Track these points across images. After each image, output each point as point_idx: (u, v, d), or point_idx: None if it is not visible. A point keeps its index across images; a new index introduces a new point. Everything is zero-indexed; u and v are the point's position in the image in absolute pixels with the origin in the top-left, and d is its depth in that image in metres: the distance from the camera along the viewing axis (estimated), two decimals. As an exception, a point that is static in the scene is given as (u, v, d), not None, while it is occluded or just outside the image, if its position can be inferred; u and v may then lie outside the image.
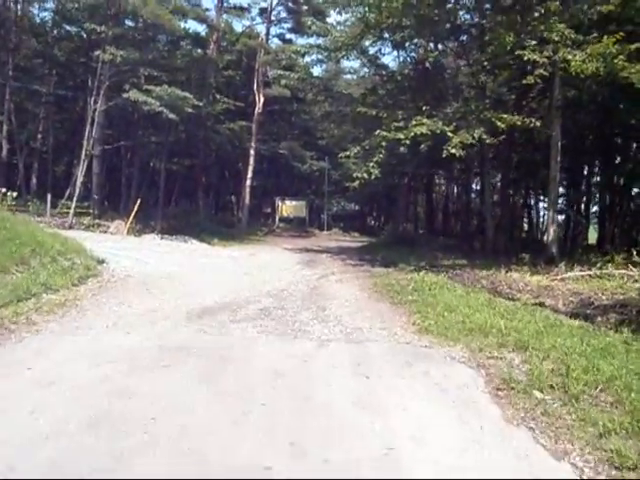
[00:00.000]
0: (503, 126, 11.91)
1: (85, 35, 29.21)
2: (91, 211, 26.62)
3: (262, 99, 33.75)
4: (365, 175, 13.48)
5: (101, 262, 11.81)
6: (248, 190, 33.88)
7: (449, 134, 11.96)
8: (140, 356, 5.17)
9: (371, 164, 13.51)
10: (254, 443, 3.44)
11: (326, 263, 16.57)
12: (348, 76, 43.56)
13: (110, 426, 3.57)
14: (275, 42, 39.52)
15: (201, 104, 22.10)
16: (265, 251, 21.40)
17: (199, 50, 30.93)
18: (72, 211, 24.04)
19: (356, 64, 25.96)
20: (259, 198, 43.74)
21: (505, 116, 11.88)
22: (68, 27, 31.10)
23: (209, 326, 6.56)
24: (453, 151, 11.66)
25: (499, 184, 25.12)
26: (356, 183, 13.62)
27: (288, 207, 41.41)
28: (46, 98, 34.55)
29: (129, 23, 25.77)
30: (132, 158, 33.79)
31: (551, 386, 4.39)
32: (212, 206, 41.65)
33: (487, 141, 11.99)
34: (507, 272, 13.41)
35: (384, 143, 13.57)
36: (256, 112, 33.94)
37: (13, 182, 35.67)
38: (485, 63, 13.93)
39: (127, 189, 32.36)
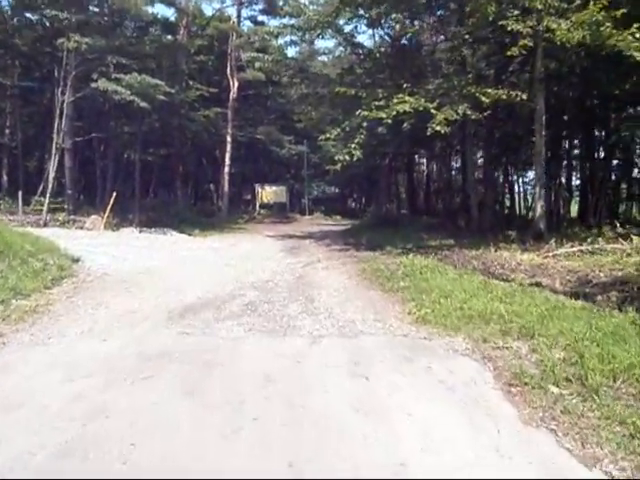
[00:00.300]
0: (487, 101, 11.53)
1: (48, 23, 28.08)
2: (66, 207, 25.81)
3: (236, 84, 32.98)
4: (347, 157, 13.04)
5: (76, 261, 11.28)
6: (227, 177, 33.24)
7: (432, 111, 11.55)
8: (117, 366, 4.73)
9: (352, 145, 13.06)
10: (247, 467, 3.05)
11: (310, 249, 16.17)
12: (323, 57, 43.06)
13: (83, 456, 3.15)
14: (247, 25, 38.70)
15: (173, 91, 21.36)
16: (247, 239, 20.93)
17: (169, 36, 30.05)
18: (45, 208, 23.26)
19: (331, 44, 25.41)
20: (238, 185, 43.08)
21: (489, 91, 11.50)
22: (29, 15, 29.88)
23: (192, 326, 6.13)
24: (438, 128, 11.26)
25: (480, 161, 24.91)
26: (338, 166, 13.19)
27: (268, 193, 40.82)
28: (10, 91, 33.36)
29: (94, 9, 24.76)
30: (106, 150, 32.84)
31: (567, 379, 4.06)
32: (191, 196, 40.89)
33: (472, 117, 11.62)
34: (496, 251, 13.14)
35: (365, 123, 13.14)
36: (231, 97, 33.18)
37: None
38: (466, 36, 13.47)
39: (102, 182, 31.50)
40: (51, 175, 24.12)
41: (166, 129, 33.67)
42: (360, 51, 19.15)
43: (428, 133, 11.65)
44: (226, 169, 33.23)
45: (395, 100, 11.86)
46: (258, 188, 40.84)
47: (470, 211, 20.28)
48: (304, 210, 42.80)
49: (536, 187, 14.52)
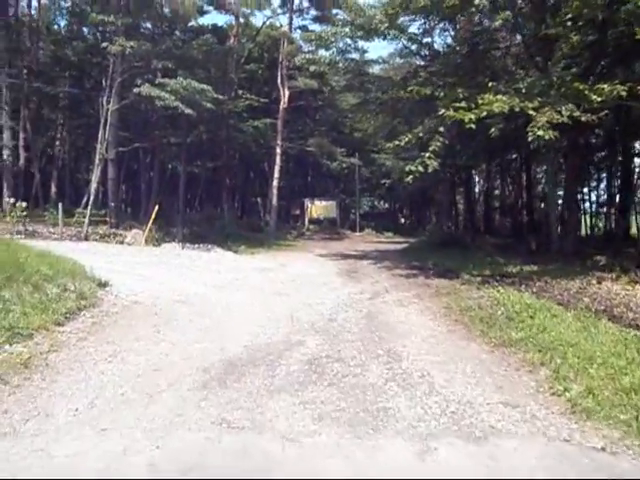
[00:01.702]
0: (599, 100, 9.34)
1: (98, 32, 27.42)
2: (108, 220, 24.68)
3: (287, 93, 31.45)
4: (420, 168, 11.02)
5: (104, 285, 9.62)
6: (275, 191, 31.63)
7: (531, 112, 9.43)
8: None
9: (427, 154, 11.05)
10: None
11: (371, 273, 14.15)
12: (377, 67, 41.25)
13: None
14: (299, 34, 37.31)
15: (221, 97, 19.89)
16: (297, 259, 19.09)
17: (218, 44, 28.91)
18: (87, 220, 22.11)
19: (385, 52, 23.33)
20: (287, 199, 41.58)
21: (604, 87, 9.30)
22: (81, 26, 29.41)
23: (234, 405, 4.22)
24: (540, 133, 9.13)
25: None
26: (409, 178, 11.17)
27: (318, 208, 39.08)
28: (61, 102, 32.98)
29: (143, 15, 23.71)
30: (151, 161, 31.89)
31: None
32: (238, 209, 39.61)
33: (581, 119, 9.44)
34: (600, 282, 10.84)
35: (442, 128, 11.10)
36: (281, 107, 31.65)
37: (31, 192, 34.30)
38: (568, 23, 11.29)
39: (147, 195, 30.44)
40: (93, 186, 23.05)
41: (214, 140, 32.54)
42: (427, 52, 17.16)
43: (530, 139, 9.51)
44: (274, 182, 31.64)
45: (483, 100, 9.79)
46: (307, 203, 39.20)
47: (548, 233, 17.87)
48: (354, 226, 40.81)
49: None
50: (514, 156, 20.81)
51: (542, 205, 31.88)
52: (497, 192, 38.67)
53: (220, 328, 7.19)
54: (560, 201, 28.64)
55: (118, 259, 14.28)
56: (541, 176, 32.37)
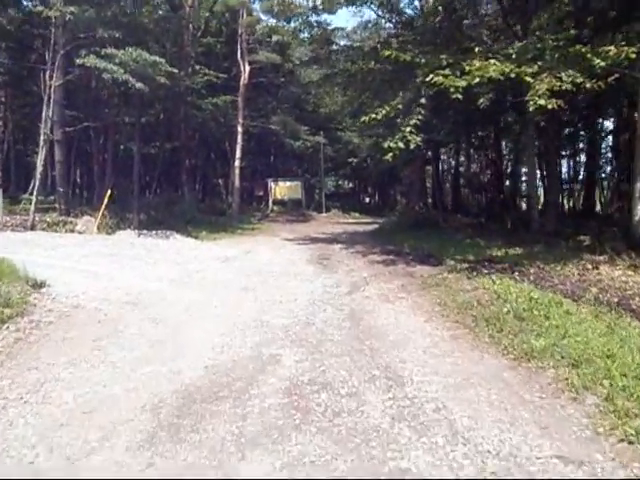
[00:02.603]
0: (603, 64, 8.32)
1: None
2: (57, 206, 22.78)
3: (247, 69, 29.78)
4: (400, 144, 9.85)
5: (39, 286, 8.22)
6: (237, 172, 30.10)
7: (527, 79, 8.35)
8: None
9: (407, 129, 9.89)
10: None
11: (345, 260, 13.02)
12: (342, 41, 39.66)
13: None
14: (258, 4, 35.37)
15: (176, 71, 18.21)
16: (263, 244, 17.82)
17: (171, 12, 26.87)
18: (33, 208, 20.20)
19: (349, 25, 21.62)
20: (250, 180, 39.97)
21: (610, 49, 8.23)
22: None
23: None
24: (542, 102, 8.06)
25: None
26: (389, 156, 10.01)
27: (282, 188, 37.65)
28: (1, 78, 30.41)
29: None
30: (105, 143, 29.81)
31: None
32: (199, 192, 37.81)
33: (586, 85, 8.40)
34: (595, 268, 9.97)
35: (423, 100, 9.97)
36: (242, 84, 29.98)
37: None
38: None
39: (101, 179, 28.43)
40: (38, 170, 21.09)
41: (171, 120, 30.65)
42: (398, 19, 15.89)
43: (531, 108, 8.42)
44: (236, 163, 30.09)
45: (472, 66, 8.63)
46: (271, 183, 37.69)
47: (523, 211, 17.06)
48: (320, 207, 39.58)
49: (637, 183, 11.26)
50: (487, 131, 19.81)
51: (507, 183, 31.38)
52: (462, 169, 37.99)
53: (176, 340, 5.94)
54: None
55: (63, 251, 12.75)
56: (507, 152, 31.76)
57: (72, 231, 19.61)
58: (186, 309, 7.53)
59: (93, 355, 5.36)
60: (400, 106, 10.19)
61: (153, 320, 6.85)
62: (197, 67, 28.83)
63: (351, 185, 57.00)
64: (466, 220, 24.67)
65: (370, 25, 22.59)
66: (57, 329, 6.31)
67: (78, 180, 35.95)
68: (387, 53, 10.38)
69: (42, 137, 20.71)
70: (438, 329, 6.10)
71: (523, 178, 32.17)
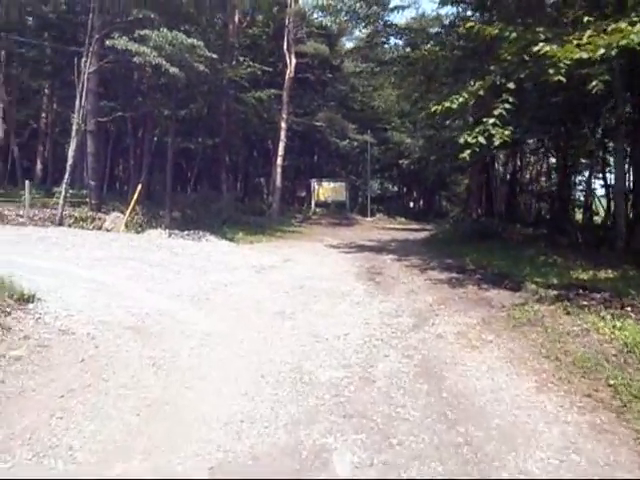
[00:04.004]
0: None
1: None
2: (88, 201, 21.51)
3: (294, 61, 28.06)
4: (481, 139, 7.81)
5: (26, 301, 6.54)
6: (279, 171, 28.39)
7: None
8: None
9: (490, 120, 7.84)
10: None
11: (400, 276, 11.02)
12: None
13: None
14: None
15: (215, 56, 16.52)
16: (304, 250, 15.98)
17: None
18: (61, 202, 18.89)
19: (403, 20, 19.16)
20: (292, 180, 38.27)
21: None
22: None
23: None
24: None
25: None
26: (466, 153, 7.99)
27: (326, 190, 35.74)
28: (45, 68, 29.58)
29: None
30: (143, 136, 28.59)
31: None
32: (239, 191, 36.34)
33: None
34: None
35: (511, 85, 7.90)
36: (287, 77, 28.30)
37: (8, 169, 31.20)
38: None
39: (136, 173, 27.19)
40: (69, 162, 19.82)
41: (213, 114, 29.16)
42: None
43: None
44: (279, 161, 28.38)
45: (584, 38, 6.53)
46: (314, 184, 35.86)
47: (616, 226, 14.57)
48: (364, 210, 37.49)
49: None
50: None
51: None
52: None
53: (177, 405, 4.09)
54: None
55: (78, 253, 11.18)
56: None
57: (100, 228, 18.28)
58: (201, 344, 5.70)
59: (46, 431, 3.56)
60: (481, 92, 8.14)
61: (153, 362, 5.04)
62: (241, 59, 27.31)
63: (396, 189, 54.64)
64: (526, 231, 22.31)
65: (427, 15, 20.36)
66: (20, 373, 4.56)
67: (115, 174, 35.05)
68: (469, 25, 8.36)
69: (74, 127, 19.43)
70: (564, 409, 4.06)
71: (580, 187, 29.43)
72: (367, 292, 9.08)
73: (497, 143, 7.76)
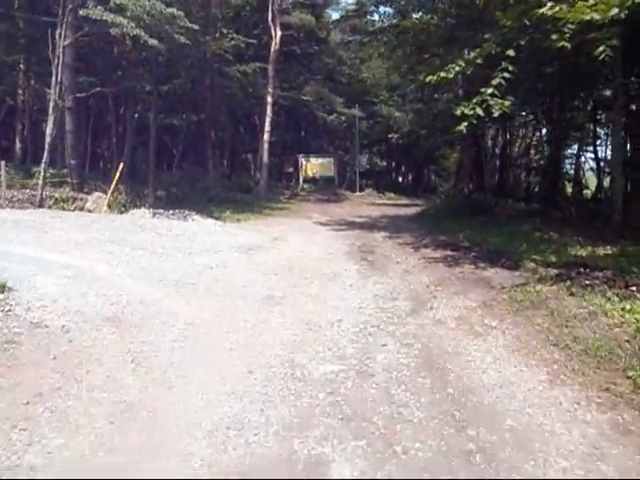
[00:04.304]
0: None
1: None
2: (69, 180, 20.80)
3: (279, 33, 27.16)
4: (478, 111, 7.37)
5: (-4, 291, 6.09)
6: (266, 146, 27.71)
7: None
8: None
9: (488, 90, 7.39)
10: None
11: (393, 254, 10.64)
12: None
13: None
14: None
15: (197, 27, 15.76)
16: (292, 228, 15.54)
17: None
18: (41, 182, 18.15)
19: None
20: (279, 156, 37.54)
21: None
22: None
23: None
24: None
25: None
26: (463, 125, 7.56)
27: (314, 165, 35.11)
28: (17, 41, 28.40)
29: None
30: (125, 113, 27.74)
31: None
32: (227, 169, 35.62)
33: None
34: None
35: (511, 52, 7.43)
36: (272, 50, 27.41)
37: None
38: None
39: (119, 151, 26.44)
40: (47, 141, 19.06)
41: (197, 89, 28.28)
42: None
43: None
44: (265, 136, 27.69)
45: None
46: (302, 160, 35.18)
47: (612, 199, 14.24)
48: (353, 186, 36.94)
49: None
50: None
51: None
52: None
53: (156, 411, 3.69)
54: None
55: (56, 237, 10.64)
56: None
57: (82, 209, 17.64)
58: (184, 336, 5.29)
59: (5, 447, 3.14)
60: (479, 60, 7.66)
61: (132, 358, 4.63)
62: (224, 31, 26.39)
63: (385, 163, 53.99)
64: (518, 206, 22.02)
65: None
66: (-16, 374, 4.14)
67: (98, 152, 34.12)
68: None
69: (51, 104, 18.63)
70: (581, 406, 3.71)
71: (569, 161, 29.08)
72: (360, 273, 8.69)
73: (496, 114, 7.32)
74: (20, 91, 33.36)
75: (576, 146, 27.76)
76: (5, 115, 33.90)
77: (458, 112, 7.73)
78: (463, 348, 4.91)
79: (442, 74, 7.93)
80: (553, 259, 9.41)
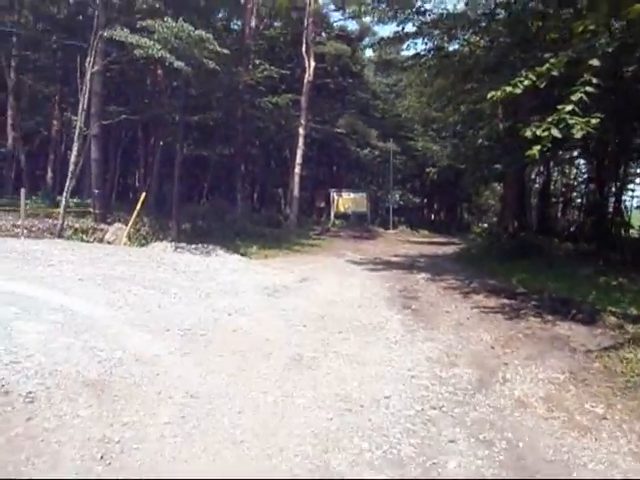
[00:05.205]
0: None
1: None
2: (92, 210, 20.04)
3: (313, 64, 26.46)
4: (554, 132, 6.03)
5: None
6: (297, 179, 26.72)
7: None
8: None
9: (567, 107, 6.05)
10: None
11: (441, 302, 9.20)
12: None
13: None
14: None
15: (227, 51, 14.88)
16: (324, 268, 14.22)
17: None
18: (62, 212, 17.34)
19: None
20: (310, 191, 36.55)
21: None
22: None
23: None
24: None
25: None
26: (535, 149, 6.13)
27: (346, 200, 33.99)
28: (52, 73, 28.43)
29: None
30: (155, 142, 27.17)
31: None
32: (255, 201, 34.75)
33: None
34: None
35: (595, 61, 6.13)
36: (305, 81, 26.69)
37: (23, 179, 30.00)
38: None
39: (145, 181, 25.78)
40: (70, 169, 18.34)
41: (228, 121, 27.66)
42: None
43: None
44: (297, 169, 26.72)
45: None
46: (333, 194, 34.14)
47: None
48: (386, 222, 35.64)
49: None
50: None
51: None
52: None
53: None
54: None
55: (59, 271, 9.50)
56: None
57: (101, 240, 16.72)
58: (182, 416, 3.95)
59: None
60: (554, 72, 6.35)
61: (104, 452, 3.31)
62: (257, 62, 25.84)
63: (418, 200, 52.56)
64: (566, 247, 20.36)
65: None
66: None
67: (129, 182, 33.73)
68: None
69: (77, 131, 17.97)
70: None
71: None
72: (404, 325, 7.27)
73: (579, 135, 5.93)
74: (55, 121, 33.46)
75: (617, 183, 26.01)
76: (39, 145, 34.00)
77: (528, 134, 6.39)
78: (570, 454, 3.44)
79: (508, 89, 6.62)
80: (634, 311, 7.86)
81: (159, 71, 22.41)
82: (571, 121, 6.10)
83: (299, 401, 4.33)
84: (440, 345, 6.16)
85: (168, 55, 13.08)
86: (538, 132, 6.27)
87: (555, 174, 32.19)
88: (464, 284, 11.19)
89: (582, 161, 26.40)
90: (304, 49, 26.39)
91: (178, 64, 13.26)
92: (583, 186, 30.34)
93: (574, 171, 32.34)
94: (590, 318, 7.58)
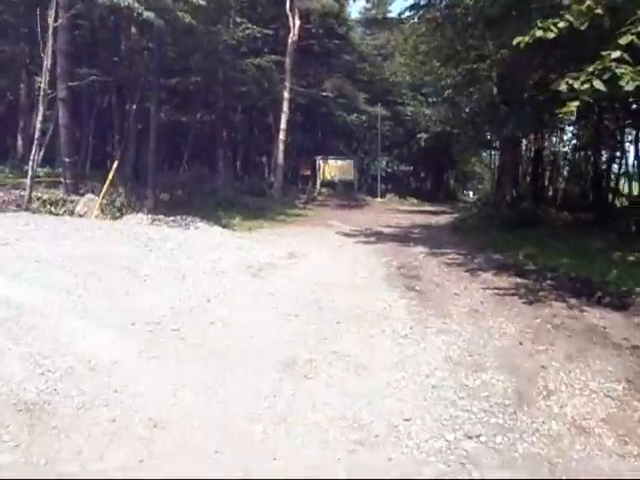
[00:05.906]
0: None
1: None
2: (62, 180, 18.60)
3: (298, 23, 24.87)
4: (597, 84, 5.00)
5: None
6: (281, 146, 25.40)
7: None
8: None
9: (614, 54, 5.00)
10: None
11: (446, 282, 8.21)
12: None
13: None
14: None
15: (203, 2, 13.37)
16: (312, 240, 13.18)
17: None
18: (29, 182, 15.91)
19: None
20: (295, 158, 35.16)
21: None
22: None
23: None
24: None
25: None
26: (573, 105, 5.14)
27: (332, 168, 32.77)
28: (15, 30, 26.48)
29: None
30: (131, 107, 25.52)
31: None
32: (237, 169, 33.34)
33: None
34: None
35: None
36: (290, 41, 25.12)
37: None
38: None
39: (122, 148, 24.24)
40: (36, 135, 16.88)
41: (208, 84, 26.07)
42: None
43: None
44: (281, 135, 25.38)
45: None
46: (319, 162, 32.87)
47: None
48: (374, 191, 34.50)
49: None
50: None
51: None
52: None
53: None
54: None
55: (14, 251, 8.33)
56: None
57: (72, 213, 15.44)
58: (138, 457, 2.94)
59: None
60: (599, 10, 5.25)
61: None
62: (238, 20, 24.18)
63: (406, 167, 51.31)
64: (564, 216, 19.46)
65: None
66: None
67: (107, 150, 32.04)
68: None
69: (42, 93, 16.45)
70: None
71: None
72: (411, 312, 6.28)
73: (630, 88, 4.87)
74: (22, 85, 31.51)
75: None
76: (7, 111, 32.12)
77: (563, 87, 5.31)
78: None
79: (538, 33, 5.50)
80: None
81: (133, 29, 20.76)
82: (619, 70, 5.03)
83: (296, 430, 3.33)
84: (458, 340, 5.19)
85: (137, 5, 11.66)
86: (576, 85, 5.20)
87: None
88: (467, 259, 10.23)
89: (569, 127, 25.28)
90: (288, 6, 24.74)
91: (148, 15, 11.83)
92: (571, 153, 29.30)
93: (564, 138, 31.30)
94: (620, 302, 6.67)
